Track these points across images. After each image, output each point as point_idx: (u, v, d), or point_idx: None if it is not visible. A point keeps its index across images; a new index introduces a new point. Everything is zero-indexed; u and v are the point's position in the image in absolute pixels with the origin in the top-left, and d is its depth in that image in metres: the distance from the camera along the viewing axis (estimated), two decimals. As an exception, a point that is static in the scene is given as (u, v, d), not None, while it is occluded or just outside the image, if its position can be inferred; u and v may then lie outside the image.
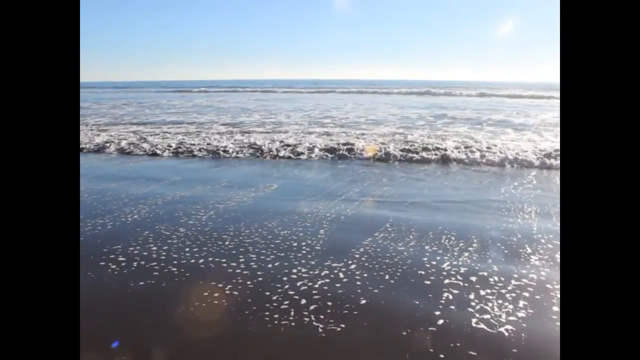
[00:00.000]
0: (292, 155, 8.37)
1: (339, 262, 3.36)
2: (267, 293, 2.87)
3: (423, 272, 3.18)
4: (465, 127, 12.97)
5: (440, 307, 2.69)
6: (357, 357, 2.26)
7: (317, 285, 2.97)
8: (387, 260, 3.39)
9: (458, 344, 2.32)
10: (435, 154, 8.18)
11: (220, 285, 2.99)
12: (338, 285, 2.99)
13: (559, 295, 2.81)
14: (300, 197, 5.30)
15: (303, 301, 2.76)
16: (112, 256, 3.48)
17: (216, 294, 2.86)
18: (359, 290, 2.91)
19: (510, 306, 2.70)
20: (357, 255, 3.48)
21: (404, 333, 2.42)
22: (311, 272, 3.18)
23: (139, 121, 15.47)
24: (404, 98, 30.66)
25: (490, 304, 2.72)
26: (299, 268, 3.25)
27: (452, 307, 2.69)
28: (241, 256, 3.48)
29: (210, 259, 3.44)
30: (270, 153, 8.58)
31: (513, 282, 3.03)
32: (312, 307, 2.69)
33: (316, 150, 8.71)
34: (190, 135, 11.51)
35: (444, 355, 2.23)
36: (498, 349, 2.28)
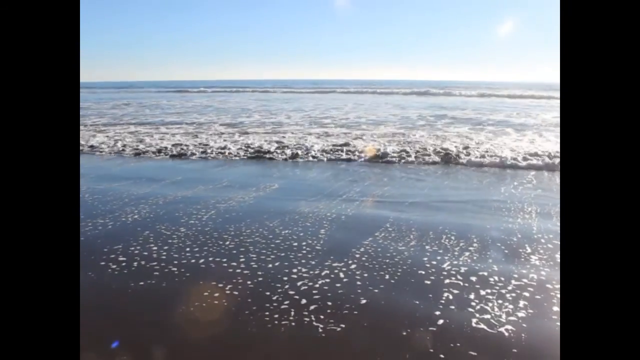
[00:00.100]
0: (292, 156, 8.37)
1: (340, 261, 3.36)
2: (267, 293, 2.87)
3: (423, 272, 3.18)
4: (465, 127, 12.97)
5: (441, 307, 2.69)
6: (357, 357, 2.26)
7: (317, 285, 2.97)
8: (387, 260, 3.39)
9: (458, 344, 2.32)
10: (436, 154, 8.18)
11: (220, 285, 2.99)
12: (338, 285, 2.99)
13: (559, 295, 2.81)
14: (301, 197, 5.31)
15: (303, 301, 2.77)
16: (113, 256, 3.49)
17: (216, 294, 2.86)
18: (359, 290, 2.91)
19: (511, 306, 2.70)
20: (357, 255, 3.48)
21: (404, 333, 2.42)
22: (311, 272, 3.18)
23: (139, 121, 15.48)
24: (404, 98, 30.67)
25: (490, 304, 2.72)
26: (299, 268, 3.25)
27: (452, 307, 2.69)
28: (241, 256, 3.48)
29: (210, 258, 3.44)
30: (271, 154, 8.58)
31: (513, 282, 3.03)
32: (312, 307, 2.69)
33: (316, 150, 8.71)
34: (189, 135, 11.52)
35: (444, 355, 2.23)
36: (498, 349, 2.28)
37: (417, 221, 4.35)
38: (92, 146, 9.74)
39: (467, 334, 2.41)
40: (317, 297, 2.82)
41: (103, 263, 3.36)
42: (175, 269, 3.26)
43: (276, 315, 2.60)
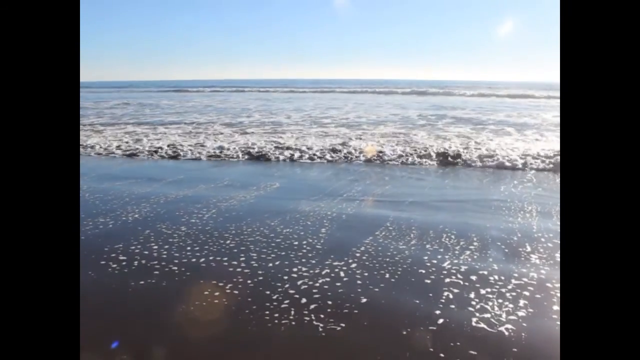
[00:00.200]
0: (292, 156, 8.36)
1: (340, 261, 3.36)
2: (268, 292, 2.87)
3: (423, 271, 3.18)
4: (466, 127, 12.97)
5: (441, 306, 2.69)
6: (357, 356, 2.26)
7: (317, 284, 2.98)
8: (387, 259, 3.39)
9: (458, 343, 2.32)
10: (436, 154, 8.18)
11: (220, 284, 2.99)
12: (338, 284, 2.99)
13: (559, 295, 2.81)
14: (302, 196, 5.31)
15: (303, 300, 2.77)
16: (113, 255, 3.49)
17: (217, 293, 2.87)
18: (359, 289, 2.91)
19: (511, 305, 2.70)
20: (357, 254, 3.48)
21: (405, 332, 2.43)
22: (312, 271, 3.18)
23: (138, 121, 15.47)
24: (404, 98, 30.66)
25: (490, 303, 2.72)
26: (299, 267, 3.25)
27: (453, 306, 2.70)
28: (242, 255, 3.48)
29: (211, 257, 3.44)
30: (271, 154, 8.58)
31: (513, 281, 3.03)
32: (312, 306, 2.69)
33: (316, 150, 8.71)
34: (187, 135, 11.52)
35: (444, 354, 2.23)
36: (498, 348, 2.28)
37: (418, 220, 4.36)
38: (91, 146, 9.73)
39: (467, 333, 2.41)
40: (317, 296, 2.82)
41: (103, 262, 3.36)
42: (175, 268, 3.26)
43: (276, 315, 2.60)
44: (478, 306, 2.69)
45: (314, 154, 8.36)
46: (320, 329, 2.46)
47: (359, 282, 3.03)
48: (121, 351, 2.27)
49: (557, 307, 2.67)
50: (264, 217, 4.45)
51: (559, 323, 2.50)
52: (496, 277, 3.09)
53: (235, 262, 3.35)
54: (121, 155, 8.87)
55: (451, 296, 2.82)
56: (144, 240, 3.82)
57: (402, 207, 4.90)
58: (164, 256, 3.47)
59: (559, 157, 7.42)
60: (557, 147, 8.55)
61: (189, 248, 3.64)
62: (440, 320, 2.53)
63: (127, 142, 10.10)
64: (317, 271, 3.18)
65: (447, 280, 3.05)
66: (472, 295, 2.82)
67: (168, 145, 9.46)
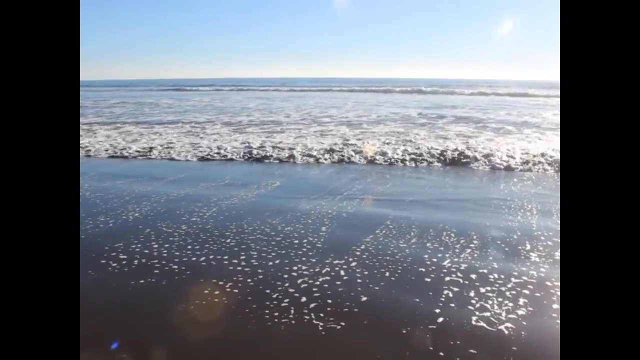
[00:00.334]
0: (292, 155, 8.36)
1: (340, 259, 3.36)
2: (268, 291, 2.87)
3: (423, 270, 3.19)
4: (466, 126, 12.97)
5: (441, 304, 2.70)
6: (357, 354, 2.26)
7: (317, 283, 2.98)
8: (387, 258, 3.39)
9: (458, 342, 2.32)
10: (436, 153, 8.17)
11: (220, 283, 2.99)
12: (338, 282, 3.00)
13: (558, 293, 2.81)
14: (302, 195, 5.31)
15: (303, 299, 2.77)
16: (114, 254, 3.49)
17: (217, 292, 2.87)
18: (359, 288, 2.92)
19: (510, 304, 2.71)
20: (357, 253, 3.49)
21: (404, 331, 2.43)
22: (312, 270, 3.18)
23: (136, 120, 15.45)
24: (404, 96, 30.63)
25: (490, 302, 2.73)
26: (299, 265, 3.26)
27: (452, 305, 2.70)
28: (242, 253, 3.49)
29: (211, 256, 3.45)
30: (271, 152, 8.58)
31: (513, 279, 3.03)
32: (312, 305, 2.70)
33: (317, 149, 8.71)
34: (188, 134, 11.52)
35: (443, 353, 2.24)
36: (498, 347, 2.29)
37: (418, 219, 4.36)
38: (90, 148, 9.73)
39: (467, 332, 2.41)
40: (317, 294, 2.83)
41: (103, 261, 3.37)
42: (175, 266, 3.27)
43: (276, 313, 2.60)
44: (478, 305, 2.69)
45: (314, 153, 8.36)
46: (320, 328, 2.46)
47: (359, 280, 3.03)
48: (121, 350, 2.27)
49: (557, 306, 2.68)
50: (264, 216, 4.45)
51: (558, 322, 2.50)
52: (496, 275, 3.10)
53: (235, 261, 3.35)
54: (117, 154, 8.88)
55: (451, 295, 2.82)
56: (144, 239, 3.83)
57: (402, 205, 4.90)
58: (165, 255, 3.48)
59: (559, 156, 7.42)
60: (558, 146, 8.55)
61: (189, 247, 3.64)
62: (440, 319, 2.54)
63: (124, 142, 10.09)
64: (317, 270, 3.19)
65: (447, 278, 3.05)
66: (472, 294, 2.83)
67: (168, 145, 9.46)
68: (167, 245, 3.67)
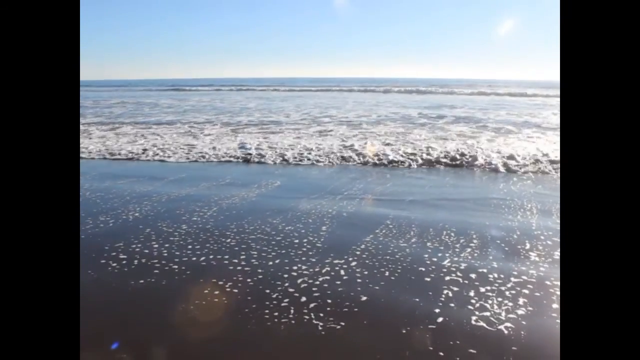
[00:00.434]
0: (292, 155, 8.36)
1: (340, 259, 3.36)
2: (268, 291, 2.88)
3: (423, 269, 3.19)
4: (466, 126, 12.97)
5: (440, 304, 2.70)
6: (357, 354, 2.26)
7: (317, 283, 2.98)
8: (387, 258, 3.39)
9: (458, 342, 2.32)
10: (436, 153, 8.17)
11: (220, 282, 2.99)
12: (338, 282, 3.00)
13: (558, 293, 2.81)
14: (302, 195, 5.31)
15: (303, 299, 2.77)
16: (114, 254, 3.49)
17: (217, 292, 2.87)
18: (359, 288, 2.92)
19: (510, 303, 2.71)
20: (357, 253, 3.49)
21: (404, 330, 2.43)
22: (312, 270, 3.18)
23: (135, 121, 15.45)
24: (404, 96, 30.63)
25: (490, 302, 2.73)
26: (299, 265, 3.26)
27: (452, 304, 2.70)
28: (242, 253, 3.49)
29: (211, 256, 3.45)
30: (271, 153, 8.58)
31: (513, 279, 3.03)
32: (312, 305, 2.70)
33: (317, 149, 8.71)
34: (189, 135, 11.52)
35: (443, 353, 2.24)
36: (498, 347, 2.29)
37: (417, 219, 4.36)
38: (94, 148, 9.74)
39: (466, 332, 2.41)
40: (317, 294, 2.83)
41: (103, 261, 3.37)
42: (176, 266, 3.27)
43: (276, 313, 2.60)
44: (477, 304, 2.69)
45: (314, 153, 8.36)
46: (320, 328, 2.46)
47: (359, 280, 3.03)
48: (121, 350, 2.27)
49: (556, 305, 2.68)
50: (265, 215, 4.45)
51: (558, 321, 2.50)
52: (495, 275, 3.10)
53: (235, 261, 3.35)
54: (120, 156, 8.88)
55: (451, 294, 2.82)
56: (144, 239, 3.83)
57: (402, 205, 4.90)
58: (165, 255, 3.48)
59: (559, 156, 7.41)
60: (558, 146, 8.55)
61: (189, 247, 3.65)
62: (440, 319, 2.54)
63: (125, 142, 10.09)
64: (317, 269, 3.19)
65: (447, 278, 3.05)
66: (471, 294, 2.83)
67: (167, 146, 9.46)
68: (167, 245, 3.68)
